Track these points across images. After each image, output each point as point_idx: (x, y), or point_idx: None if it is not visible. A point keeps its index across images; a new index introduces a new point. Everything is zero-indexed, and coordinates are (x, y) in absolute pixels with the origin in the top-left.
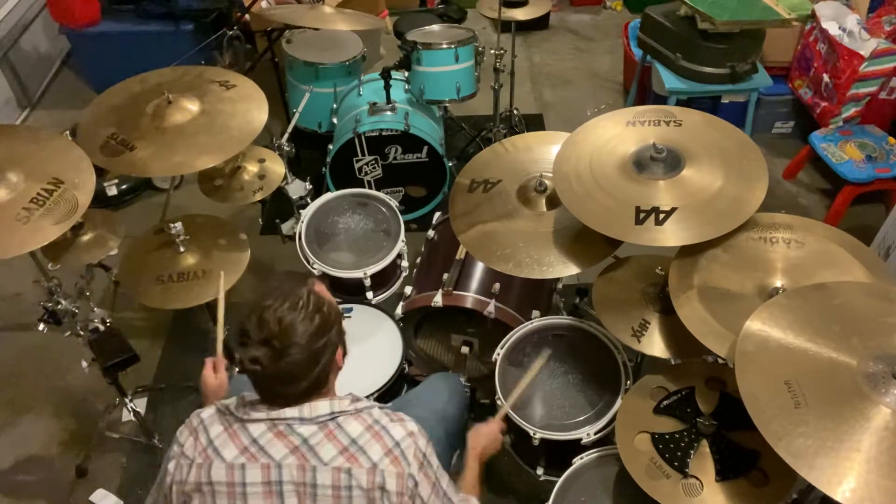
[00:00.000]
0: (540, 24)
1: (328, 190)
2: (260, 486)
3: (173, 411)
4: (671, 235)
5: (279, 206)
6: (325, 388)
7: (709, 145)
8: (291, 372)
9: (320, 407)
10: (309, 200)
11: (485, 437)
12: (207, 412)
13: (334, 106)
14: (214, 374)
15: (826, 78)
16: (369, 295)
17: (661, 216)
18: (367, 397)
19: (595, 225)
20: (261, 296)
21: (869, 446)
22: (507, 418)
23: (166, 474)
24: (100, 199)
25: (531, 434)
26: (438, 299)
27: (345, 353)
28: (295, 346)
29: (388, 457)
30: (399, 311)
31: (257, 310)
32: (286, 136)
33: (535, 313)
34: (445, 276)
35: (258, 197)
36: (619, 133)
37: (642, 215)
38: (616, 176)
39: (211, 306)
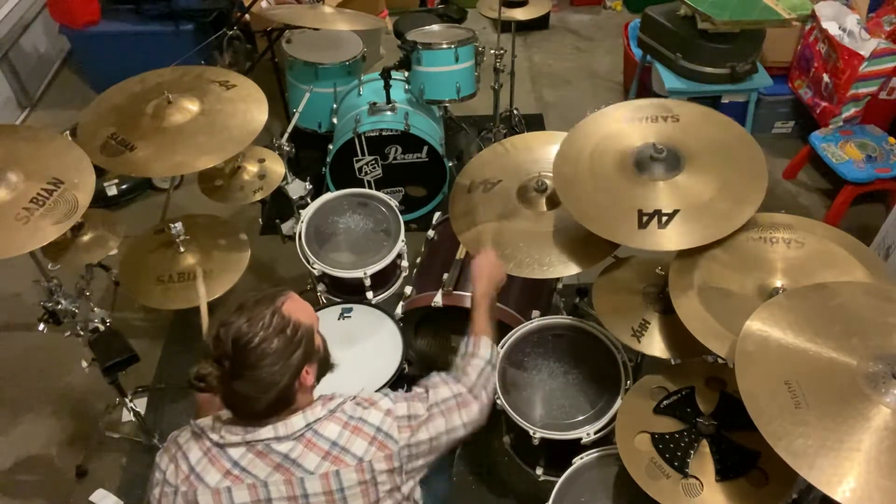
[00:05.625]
0: (540, 24)
1: (328, 190)
2: None
3: (173, 411)
4: (674, 239)
5: (279, 206)
6: (293, 405)
7: (707, 142)
8: (243, 394)
9: (295, 423)
10: (309, 200)
11: (486, 268)
12: (183, 436)
13: (334, 106)
14: None
15: (826, 78)
16: (369, 295)
17: (664, 219)
18: None
19: (599, 230)
20: (227, 310)
21: (869, 446)
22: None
23: (152, 500)
24: (100, 199)
25: (531, 434)
26: (438, 299)
27: (327, 369)
28: (247, 370)
29: (374, 445)
30: (399, 310)
31: (218, 323)
32: (286, 136)
33: (535, 313)
34: (445, 276)
35: (258, 197)
36: (617, 131)
37: (645, 218)
38: (616, 177)
39: (211, 307)
